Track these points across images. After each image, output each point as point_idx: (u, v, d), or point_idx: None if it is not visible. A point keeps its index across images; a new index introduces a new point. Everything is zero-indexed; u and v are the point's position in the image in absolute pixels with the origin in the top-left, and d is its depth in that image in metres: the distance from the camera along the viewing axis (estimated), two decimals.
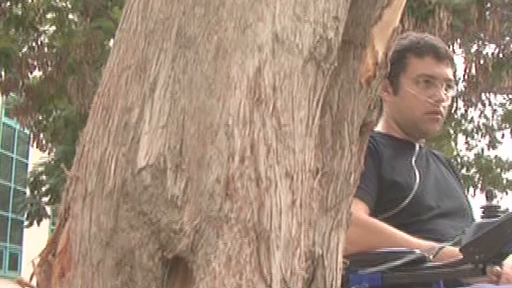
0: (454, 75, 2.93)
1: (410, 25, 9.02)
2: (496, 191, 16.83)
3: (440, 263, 2.48)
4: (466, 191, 3.17)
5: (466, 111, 15.43)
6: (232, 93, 1.65)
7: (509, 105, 16.63)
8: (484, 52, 12.23)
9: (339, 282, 1.82)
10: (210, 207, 1.59)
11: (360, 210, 2.60)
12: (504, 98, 16.33)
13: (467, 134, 17.10)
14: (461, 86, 11.54)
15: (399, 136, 2.97)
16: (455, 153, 16.63)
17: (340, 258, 1.82)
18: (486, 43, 12.37)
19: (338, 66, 1.83)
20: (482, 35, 11.42)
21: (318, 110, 1.71)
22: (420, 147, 3.01)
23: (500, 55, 11.62)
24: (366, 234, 2.63)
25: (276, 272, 1.56)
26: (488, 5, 10.43)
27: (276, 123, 1.63)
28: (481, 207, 2.61)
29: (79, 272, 1.66)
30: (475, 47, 12.45)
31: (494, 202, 2.68)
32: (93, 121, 1.76)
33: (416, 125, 2.90)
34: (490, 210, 2.55)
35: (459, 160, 16.51)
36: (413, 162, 2.91)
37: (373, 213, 2.75)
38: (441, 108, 2.86)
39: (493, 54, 11.80)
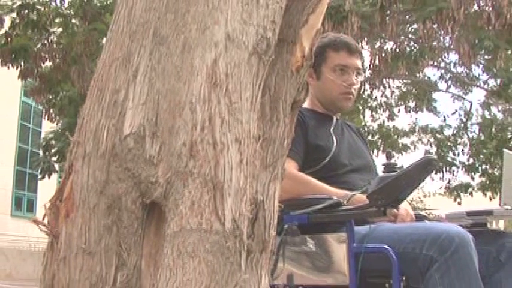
0: (362, 65, 2.94)
1: (329, 27, 8.98)
2: (394, 153, 17.06)
3: (352, 207, 2.49)
4: (371, 153, 3.13)
5: (371, 92, 15.50)
6: (195, 79, 1.64)
7: (403, 87, 16.76)
8: (385, 48, 12.28)
9: (275, 220, 1.82)
10: (178, 164, 1.59)
11: (291, 167, 2.59)
12: (400, 82, 16.42)
13: (372, 109, 17.19)
14: (367, 73, 11.58)
15: (321, 111, 2.95)
16: (363, 124, 16.72)
17: (276, 203, 1.82)
18: (386, 41, 12.41)
19: (275, 58, 1.83)
20: (383, 35, 11.42)
21: (260, 91, 1.71)
22: (336, 119, 2.99)
23: (397, 50, 11.68)
24: (296, 185, 2.61)
25: (228, 213, 1.56)
26: (388, 12, 10.44)
27: (228, 101, 1.63)
28: (383, 165, 2.64)
29: (79, 213, 1.64)
30: (378, 44, 12.48)
31: (392, 161, 2.72)
32: (90, 99, 1.75)
33: (333, 102, 2.90)
34: (389, 167, 2.58)
35: (366, 129, 16.61)
36: (331, 130, 2.88)
37: (301, 169, 2.73)
38: (352, 90, 2.86)
39: (391, 49, 11.87)
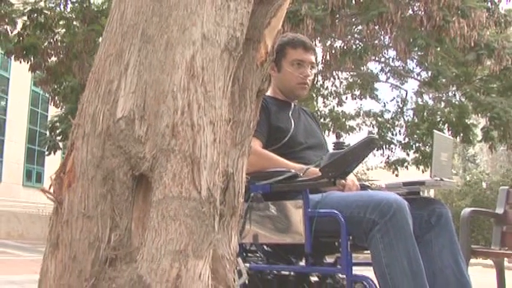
0: (316, 60, 2.95)
1: (288, 28, 8.97)
2: (342, 133, 17.16)
3: (307, 178, 2.50)
4: (323, 133, 3.15)
5: (323, 82, 15.54)
6: (176, 71, 1.64)
7: (350, 79, 16.82)
8: (335, 45, 12.29)
9: (243, 189, 1.83)
10: (162, 143, 1.59)
11: (256, 144, 2.59)
12: (347, 74, 16.48)
13: (324, 97, 17.24)
14: (320, 66, 11.60)
15: (281, 98, 2.96)
16: (316, 109, 16.78)
17: (243, 175, 1.83)
18: (336, 40, 12.42)
19: (243, 54, 1.83)
20: (333, 35, 11.43)
21: (230, 82, 1.71)
22: (294, 105, 3.00)
23: (345, 47, 11.71)
24: (260, 160, 2.62)
25: (204, 183, 1.57)
26: (338, 15, 10.44)
27: (203, 90, 1.63)
28: (333, 143, 2.75)
29: (80, 183, 1.64)
30: (329, 42, 12.49)
31: (341, 140, 2.86)
32: (88, 88, 1.73)
33: (292, 91, 2.91)
34: (338, 145, 2.70)
35: (319, 113, 16.67)
36: (290, 114, 2.89)
37: (265, 147, 2.75)
38: (307, 81, 2.88)
39: (340, 47, 11.89)
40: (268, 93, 2.96)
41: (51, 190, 1.68)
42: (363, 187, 2.80)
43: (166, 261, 1.50)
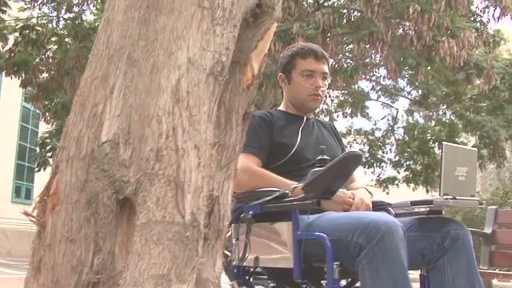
0: (329, 69, 2.76)
1: (280, 47, 9.01)
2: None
3: (293, 198, 2.31)
4: (343, 147, 2.95)
5: None
6: (161, 95, 1.64)
7: (341, 97, 16.89)
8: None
9: (229, 212, 1.82)
10: (146, 167, 1.59)
11: (252, 162, 2.46)
12: (338, 92, 16.54)
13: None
14: None
15: (293, 112, 2.75)
16: None
17: (229, 198, 1.83)
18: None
19: (229, 77, 1.84)
20: (326, 51, 11.45)
21: (216, 106, 1.72)
22: (308, 118, 2.78)
23: (336, 66, 11.77)
24: (254, 179, 2.45)
25: (188, 208, 1.57)
26: (329, 34, 10.51)
27: (188, 114, 1.63)
28: (317, 160, 2.42)
29: (63, 207, 1.64)
30: None
31: (325, 156, 2.43)
32: (73, 111, 1.74)
33: (302, 103, 2.71)
34: (321, 162, 2.36)
35: None
36: (300, 129, 2.67)
37: (267, 163, 2.55)
38: (319, 92, 2.67)
39: (331, 65, 11.94)
40: (281, 107, 2.85)
41: (35, 213, 1.68)
42: (379, 205, 2.58)
43: (149, 285, 1.50)
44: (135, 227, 1.56)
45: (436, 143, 13.76)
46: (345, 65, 11.93)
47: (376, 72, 14.76)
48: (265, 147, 2.61)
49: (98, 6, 12.79)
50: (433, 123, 15.15)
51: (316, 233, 2.24)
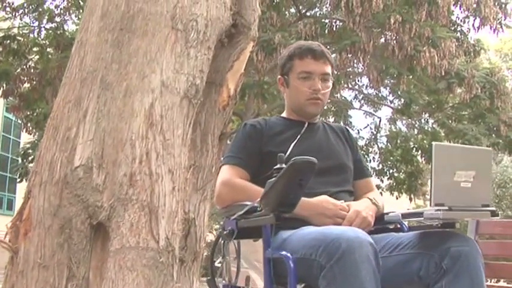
0: (332, 70, 2.39)
1: (262, 57, 8.98)
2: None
3: (261, 213, 1.95)
4: (354, 153, 2.48)
5: None
6: (135, 119, 1.64)
7: (324, 106, 16.85)
8: None
9: (205, 234, 1.82)
10: (120, 192, 1.58)
11: (234, 174, 2.16)
12: None
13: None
14: None
15: (293, 117, 2.40)
16: None
17: (205, 219, 1.83)
18: None
19: (204, 98, 1.84)
20: None
21: (190, 129, 1.72)
22: (311, 123, 2.40)
23: None
24: (233, 192, 2.13)
25: (162, 233, 1.56)
26: None
27: (162, 138, 1.63)
28: (274, 169, 2.05)
29: (36, 232, 1.62)
30: None
31: (282, 165, 2.01)
32: (46, 135, 1.73)
33: (301, 108, 2.35)
34: (277, 172, 1.96)
35: None
36: (298, 135, 2.32)
37: (256, 175, 2.22)
38: (319, 95, 2.33)
39: None
40: (283, 112, 2.51)
41: (7, 239, 1.66)
42: (390, 219, 2.24)
43: None
44: (109, 252, 1.55)
45: (419, 151, 13.83)
46: None
47: (358, 81, 14.80)
48: (252, 158, 2.28)
49: (80, 16, 12.74)
50: (415, 131, 15.23)
51: (282, 252, 1.95)
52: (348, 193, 2.18)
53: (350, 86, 14.80)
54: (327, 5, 10.71)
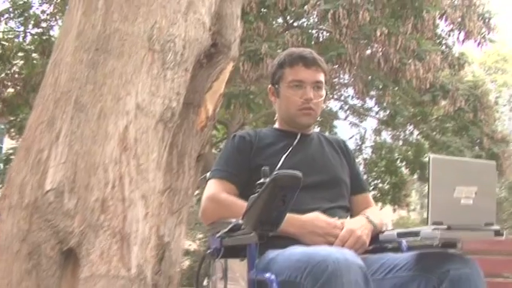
0: (325, 77, 2.23)
1: (249, 66, 8.97)
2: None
3: (244, 231, 1.80)
4: (350, 168, 2.31)
5: None
6: (109, 143, 1.60)
7: None
8: None
9: (180, 257, 1.78)
10: (92, 218, 1.54)
11: (221, 189, 2.00)
12: None
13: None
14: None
15: (285, 128, 2.24)
16: None
17: (181, 243, 1.79)
18: None
19: (182, 119, 1.81)
20: None
21: (165, 153, 1.68)
22: (304, 135, 2.24)
23: None
24: (219, 208, 1.98)
25: (134, 260, 1.52)
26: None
27: (136, 163, 1.59)
28: (257, 184, 1.84)
29: (3, 258, 1.57)
30: None
31: (267, 180, 1.77)
32: (18, 157, 1.68)
33: (292, 119, 2.19)
34: (260, 187, 1.78)
35: None
36: (290, 148, 2.16)
37: (246, 190, 1.99)
38: (311, 105, 2.18)
39: None
40: (276, 123, 2.36)
41: None
42: (388, 239, 2.09)
43: None
44: (79, 280, 1.51)
45: (404, 163, 13.87)
46: None
47: (344, 91, 14.83)
48: (241, 172, 2.13)
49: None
50: (400, 142, 15.27)
51: (266, 274, 1.80)
52: (343, 209, 2.04)
53: (336, 96, 14.83)
54: (314, 16, 10.72)
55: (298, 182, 1.61)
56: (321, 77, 2.20)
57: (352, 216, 2.09)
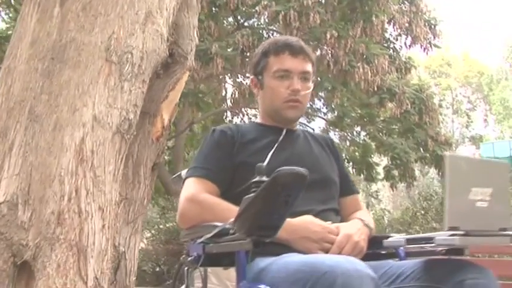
0: (313, 67, 2.02)
1: (198, 66, 8.94)
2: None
3: (234, 236, 1.57)
4: (340, 165, 2.12)
5: (232, 118, 15.64)
6: (64, 154, 1.58)
7: (259, 115, 17.01)
8: (244, 83, 12.42)
9: (135, 267, 1.78)
10: (47, 230, 1.52)
11: (201, 189, 1.81)
12: (255, 111, 16.69)
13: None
14: (229, 102, 11.67)
15: (269, 123, 2.05)
16: None
17: (136, 252, 1.79)
18: (247, 78, 12.57)
19: (138, 129, 1.81)
20: (243, 71, 11.55)
21: (122, 164, 1.68)
22: (289, 130, 2.05)
23: None
24: (200, 210, 1.77)
25: (91, 273, 1.51)
26: (248, 54, 10.58)
27: (93, 175, 1.58)
28: (252, 183, 1.61)
29: None
30: (239, 80, 12.61)
31: (263, 178, 1.59)
32: None
33: (278, 112, 2.01)
34: (256, 186, 1.54)
35: None
36: (276, 144, 1.95)
37: (228, 190, 1.87)
38: (298, 97, 1.97)
39: (249, 85, 12.04)
40: (258, 118, 2.20)
41: None
42: (387, 244, 1.81)
43: None
44: None
45: (351, 163, 14.08)
46: None
47: None
48: (223, 170, 1.92)
49: (10, 15, 12.31)
50: (347, 143, 15.52)
51: (260, 286, 1.59)
52: (333, 212, 1.88)
53: None
54: (265, 17, 10.78)
55: (304, 181, 1.42)
56: (309, 67, 2.02)
57: (341, 220, 1.91)
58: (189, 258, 1.71)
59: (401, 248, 1.81)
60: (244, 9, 10.49)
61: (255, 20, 12.04)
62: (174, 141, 11.27)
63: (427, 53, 10.79)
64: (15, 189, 1.56)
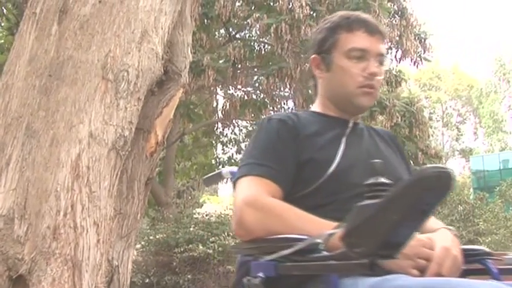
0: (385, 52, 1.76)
1: (190, 77, 8.97)
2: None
3: (328, 254, 1.25)
4: (408, 168, 1.77)
5: (223, 129, 15.64)
6: (61, 170, 1.62)
7: (250, 127, 17.03)
8: (235, 94, 12.47)
9: (128, 281, 1.81)
10: (43, 245, 1.56)
11: (263, 191, 1.48)
12: (247, 123, 16.69)
13: (223, 144, 17.31)
14: (220, 114, 11.72)
15: (333, 113, 1.73)
16: (215, 156, 16.79)
17: (129, 266, 1.82)
18: (238, 90, 12.62)
19: (132, 145, 1.84)
20: (235, 83, 11.60)
21: (117, 180, 1.71)
22: (355, 123, 1.73)
23: (245, 98, 11.91)
24: (267, 218, 1.43)
25: (85, 287, 1.54)
26: (239, 67, 10.65)
27: (88, 190, 1.62)
28: (366, 185, 1.17)
29: None
30: (230, 92, 12.66)
31: (380, 180, 1.16)
32: None
33: (349, 100, 1.69)
34: (374, 190, 1.14)
35: (218, 161, 16.69)
36: (343, 138, 1.65)
37: (288, 193, 1.53)
38: (374, 82, 1.69)
39: (240, 97, 12.08)
40: (313, 106, 1.80)
41: None
42: (474, 256, 1.59)
43: None
44: None
45: None
46: (255, 97, 12.09)
47: (284, 104, 15.02)
48: (287, 168, 1.58)
49: (3, 24, 12.32)
50: None
51: None
52: None
53: (276, 109, 14.97)
54: (257, 29, 10.86)
55: (452, 184, 1.05)
56: (384, 50, 1.76)
57: None
58: (256, 281, 1.33)
59: (490, 263, 1.56)
60: (236, 21, 10.58)
61: (246, 32, 12.14)
62: (165, 152, 11.30)
63: (417, 67, 10.90)
64: (11, 204, 1.59)
